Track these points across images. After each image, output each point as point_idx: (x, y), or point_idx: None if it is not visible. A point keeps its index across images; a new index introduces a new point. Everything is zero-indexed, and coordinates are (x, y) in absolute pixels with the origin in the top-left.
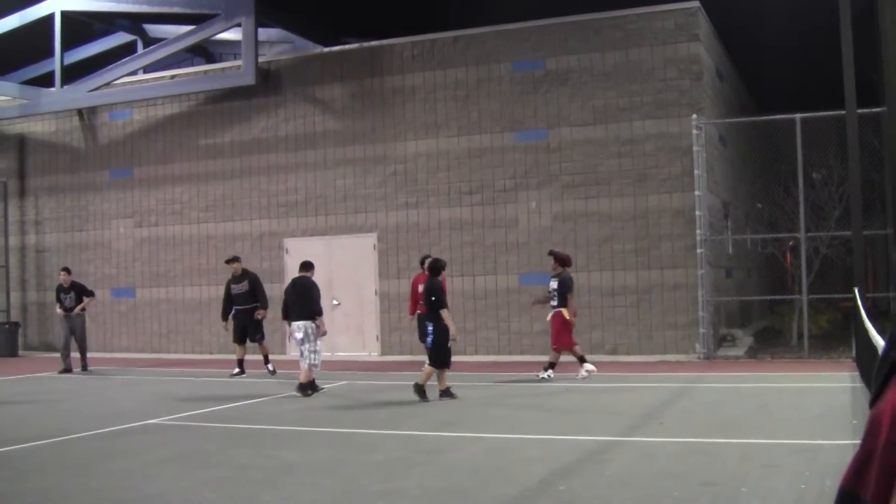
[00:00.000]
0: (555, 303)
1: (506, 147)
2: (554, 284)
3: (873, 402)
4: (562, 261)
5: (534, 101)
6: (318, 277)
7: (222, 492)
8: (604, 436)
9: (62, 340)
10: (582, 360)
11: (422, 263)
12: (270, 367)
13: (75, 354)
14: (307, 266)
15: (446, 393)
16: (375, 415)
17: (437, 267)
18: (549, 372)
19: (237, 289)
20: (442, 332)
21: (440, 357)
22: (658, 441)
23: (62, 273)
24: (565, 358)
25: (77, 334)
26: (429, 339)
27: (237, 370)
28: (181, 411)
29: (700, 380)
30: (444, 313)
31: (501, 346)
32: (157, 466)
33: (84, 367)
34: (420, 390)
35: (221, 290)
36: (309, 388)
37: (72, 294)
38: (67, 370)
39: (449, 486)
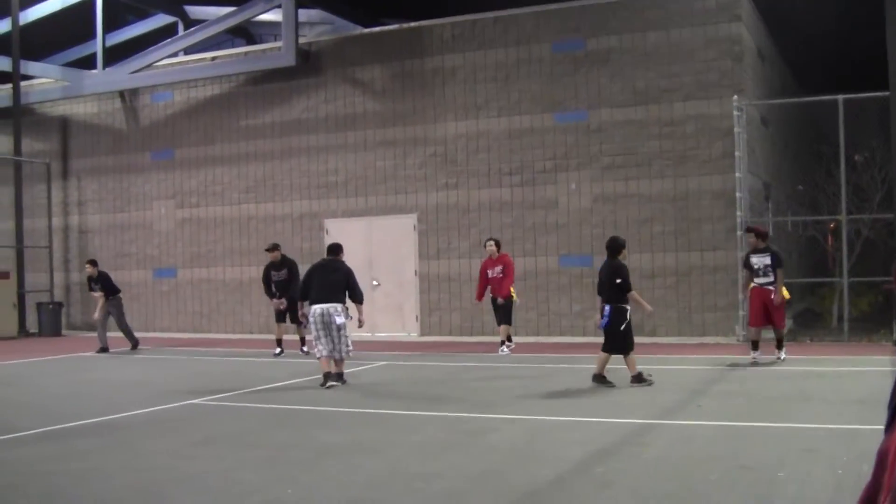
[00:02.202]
0: (763, 280)
1: (546, 128)
2: (765, 260)
3: (888, 427)
4: (764, 235)
5: (574, 82)
6: (358, 258)
7: (263, 472)
8: (641, 418)
9: (98, 321)
10: (780, 343)
11: (485, 246)
12: (306, 348)
13: (115, 335)
14: (337, 249)
15: (638, 378)
16: (415, 396)
17: (617, 245)
18: (783, 353)
19: (277, 276)
20: (619, 314)
21: (615, 342)
22: (696, 424)
23: (88, 266)
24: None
25: (115, 319)
26: (604, 321)
27: (278, 350)
28: (223, 391)
29: (739, 362)
30: (635, 295)
31: (541, 327)
32: (199, 447)
33: (134, 346)
34: (600, 379)
35: (261, 271)
36: (341, 377)
37: (100, 284)
38: (104, 349)
39: (487, 467)
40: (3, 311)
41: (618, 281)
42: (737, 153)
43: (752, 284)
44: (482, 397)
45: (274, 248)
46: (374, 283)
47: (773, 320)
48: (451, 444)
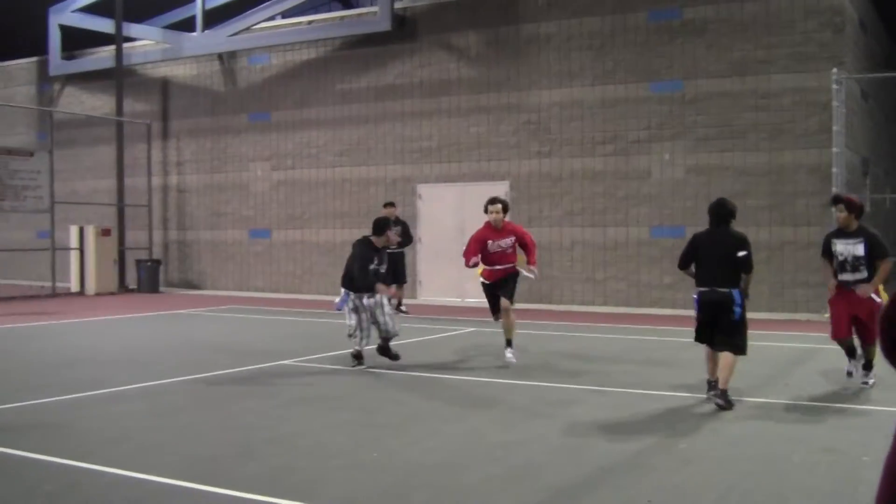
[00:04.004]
0: (851, 276)
1: (640, 98)
2: (856, 249)
3: None
4: (859, 209)
5: (670, 52)
6: (449, 224)
7: (350, 435)
8: None
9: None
10: (870, 364)
11: (486, 209)
12: (404, 307)
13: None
14: (384, 228)
15: (725, 396)
16: (500, 364)
17: (726, 211)
18: (871, 377)
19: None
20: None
21: (744, 339)
22: (782, 402)
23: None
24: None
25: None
26: (737, 311)
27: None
28: (315, 353)
29: (831, 341)
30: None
31: (630, 298)
32: (290, 407)
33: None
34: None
35: (356, 233)
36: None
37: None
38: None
39: (568, 440)
40: (104, 267)
41: (741, 254)
42: (834, 127)
43: (835, 281)
44: (567, 367)
45: (391, 204)
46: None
47: (864, 333)
48: (535, 413)
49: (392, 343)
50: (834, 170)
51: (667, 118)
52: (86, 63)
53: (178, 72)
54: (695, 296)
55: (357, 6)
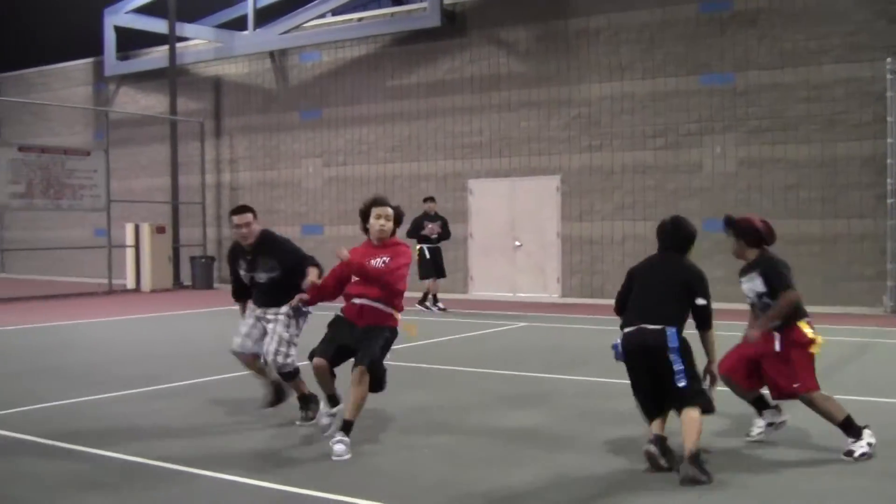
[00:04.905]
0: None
1: (691, 90)
2: (758, 284)
3: None
4: (754, 234)
5: (720, 44)
6: (500, 219)
7: (403, 431)
8: None
9: None
10: (848, 426)
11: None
12: (441, 304)
13: None
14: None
15: (698, 462)
16: (552, 358)
17: (683, 235)
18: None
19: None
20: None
21: (701, 386)
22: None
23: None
24: None
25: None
26: (674, 360)
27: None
28: None
29: (885, 335)
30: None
31: None
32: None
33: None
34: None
35: (406, 229)
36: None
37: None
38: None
39: (619, 434)
40: (159, 264)
41: (699, 302)
42: (889, 118)
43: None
44: (615, 363)
45: (432, 199)
46: (517, 243)
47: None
48: (584, 409)
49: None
50: (889, 161)
51: (717, 111)
52: (140, 63)
53: (230, 70)
54: (616, 342)
55: (407, 2)
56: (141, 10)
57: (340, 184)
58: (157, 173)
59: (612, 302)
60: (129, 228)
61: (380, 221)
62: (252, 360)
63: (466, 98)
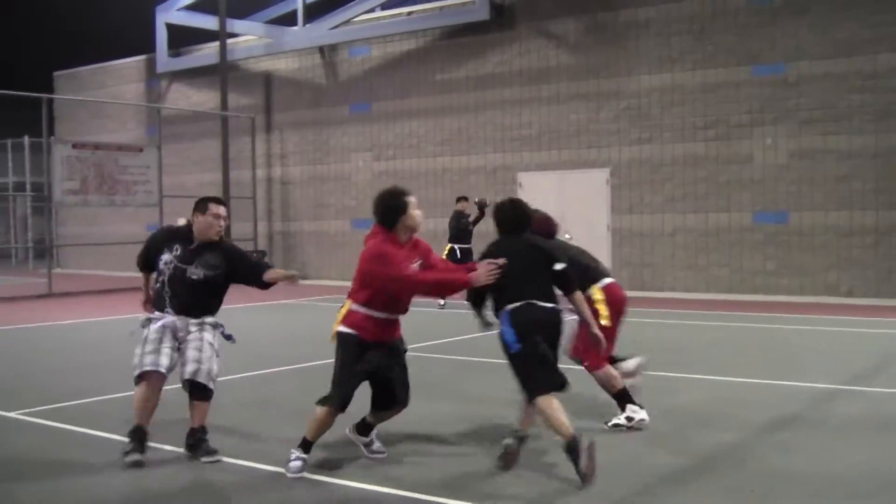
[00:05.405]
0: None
1: (741, 81)
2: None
3: None
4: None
5: (771, 34)
6: (550, 211)
7: (455, 416)
8: (829, 383)
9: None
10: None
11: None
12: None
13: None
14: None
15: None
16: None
17: (524, 214)
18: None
19: (464, 225)
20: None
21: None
22: (888, 392)
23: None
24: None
25: None
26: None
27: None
28: (420, 342)
29: None
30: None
31: (733, 284)
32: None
33: None
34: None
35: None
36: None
37: None
38: None
39: (667, 428)
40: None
41: (558, 267)
42: None
43: None
44: (667, 356)
45: (464, 198)
46: (567, 236)
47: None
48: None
49: None
50: None
51: (768, 101)
52: (191, 60)
53: (280, 66)
54: (503, 320)
55: None
56: (192, 8)
57: (390, 178)
58: (209, 169)
59: (663, 295)
60: (182, 223)
61: (418, 212)
62: (160, 386)
63: (515, 91)
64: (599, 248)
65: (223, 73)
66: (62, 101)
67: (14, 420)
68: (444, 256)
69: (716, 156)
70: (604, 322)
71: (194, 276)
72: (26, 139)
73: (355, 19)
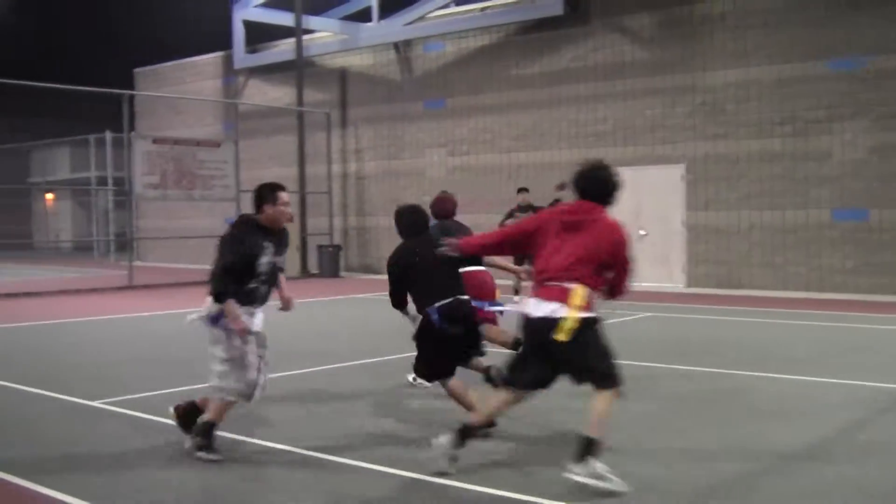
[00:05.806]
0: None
1: (818, 76)
2: None
3: None
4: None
5: (847, 27)
6: (624, 208)
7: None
8: None
9: None
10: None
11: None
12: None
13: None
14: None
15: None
16: (676, 349)
17: (424, 217)
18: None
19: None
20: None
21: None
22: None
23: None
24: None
25: None
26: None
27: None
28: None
29: None
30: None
31: (811, 282)
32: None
33: None
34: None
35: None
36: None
37: None
38: None
39: (746, 429)
40: (288, 253)
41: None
42: None
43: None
44: (744, 354)
45: (524, 189)
46: (641, 232)
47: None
48: (713, 400)
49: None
50: None
51: (847, 96)
52: (268, 56)
53: (355, 61)
54: (432, 314)
55: None
56: (268, 5)
57: (465, 173)
58: (285, 163)
59: (739, 293)
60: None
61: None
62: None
63: (590, 86)
64: (674, 245)
65: (299, 70)
66: (143, 98)
67: (96, 409)
68: None
69: (792, 152)
70: None
71: (279, 265)
72: (108, 134)
73: (429, 15)
